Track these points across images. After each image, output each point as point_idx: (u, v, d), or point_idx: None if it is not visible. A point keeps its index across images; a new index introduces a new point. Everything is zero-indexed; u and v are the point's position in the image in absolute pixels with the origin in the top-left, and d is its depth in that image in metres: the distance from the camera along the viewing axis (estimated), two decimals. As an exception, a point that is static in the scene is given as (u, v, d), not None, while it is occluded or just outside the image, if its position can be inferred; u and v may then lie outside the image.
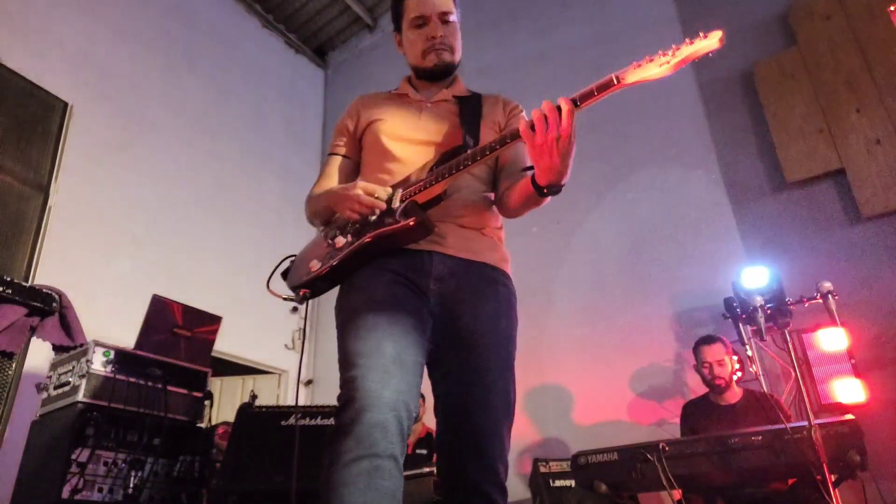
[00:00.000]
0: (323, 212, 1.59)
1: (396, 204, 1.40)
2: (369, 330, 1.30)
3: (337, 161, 1.68)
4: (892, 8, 3.53)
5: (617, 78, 1.16)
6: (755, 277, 2.97)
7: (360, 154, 1.67)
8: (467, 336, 1.39)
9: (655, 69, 1.13)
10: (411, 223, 1.35)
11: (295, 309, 5.51)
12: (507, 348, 1.43)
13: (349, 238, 1.43)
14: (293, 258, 1.60)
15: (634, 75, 1.15)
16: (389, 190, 1.44)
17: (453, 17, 1.63)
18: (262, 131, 5.93)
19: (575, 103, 1.18)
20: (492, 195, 1.59)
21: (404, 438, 1.23)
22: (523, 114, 1.67)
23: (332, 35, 6.69)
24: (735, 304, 2.95)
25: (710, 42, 1.09)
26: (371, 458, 1.16)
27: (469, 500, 1.31)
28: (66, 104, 2.39)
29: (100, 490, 2.51)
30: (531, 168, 1.31)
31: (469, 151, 1.37)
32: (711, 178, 4.01)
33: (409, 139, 1.56)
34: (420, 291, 1.41)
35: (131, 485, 2.59)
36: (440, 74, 1.65)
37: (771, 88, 3.90)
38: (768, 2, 4.11)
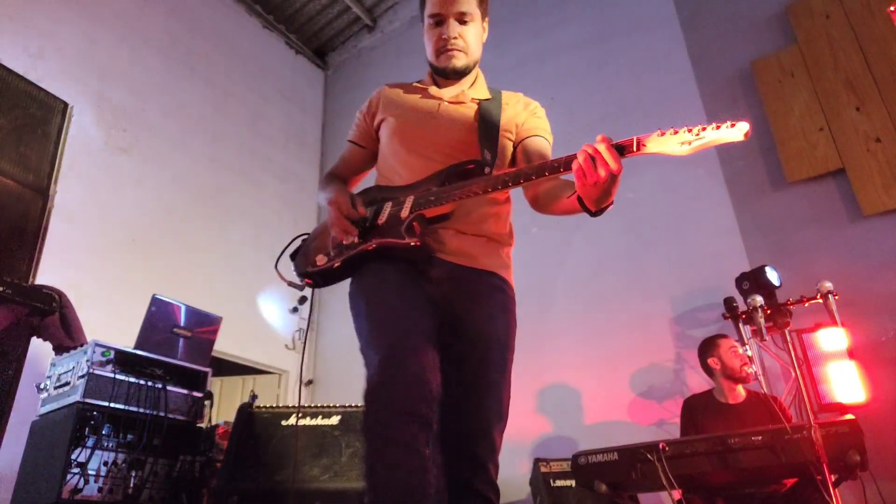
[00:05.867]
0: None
1: (406, 213, 1.40)
2: (388, 310, 1.32)
3: (349, 149, 1.73)
4: (892, 8, 3.52)
5: (637, 143, 1.14)
6: (755, 277, 2.97)
7: (374, 143, 1.69)
8: (462, 341, 1.40)
9: (675, 146, 1.09)
10: (414, 244, 1.35)
11: (295, 309, 5.51)
12: (504, 354, 1.44)
13: (354, 239, 1.43)
14: (305, 237, 1.62)
15: (655, 145, 1.12)
16: (365, 213, 1.45)
17: (471, 17, 1.59)
18: (262, 132, 5.93)
19: (620, 150, 1.15)
20: (501, 200, 1.58)
21: (433, 408, 1.21)
22: (543, 112, 1.66)
23: (332, 35, 6.68)
24: (735, 304, 2.95)
25: (735, 133, 1.03)
26: (408, 418, 1.16)
27: (461, 498, 1.33)
28: (65, 105, 2.40)
29: (100, 490, 2.51)
30: (574, 192, 1.28)
31: (483, 181, 1.34)
32: (712, 177, 4.00)
33: (422, 141, 1.55)
34: (425, 280, 1.43)
35: (131, 485, 2.59)
36: (454, 76, 1.64)
37: (770, 86, 3.89)
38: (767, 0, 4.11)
